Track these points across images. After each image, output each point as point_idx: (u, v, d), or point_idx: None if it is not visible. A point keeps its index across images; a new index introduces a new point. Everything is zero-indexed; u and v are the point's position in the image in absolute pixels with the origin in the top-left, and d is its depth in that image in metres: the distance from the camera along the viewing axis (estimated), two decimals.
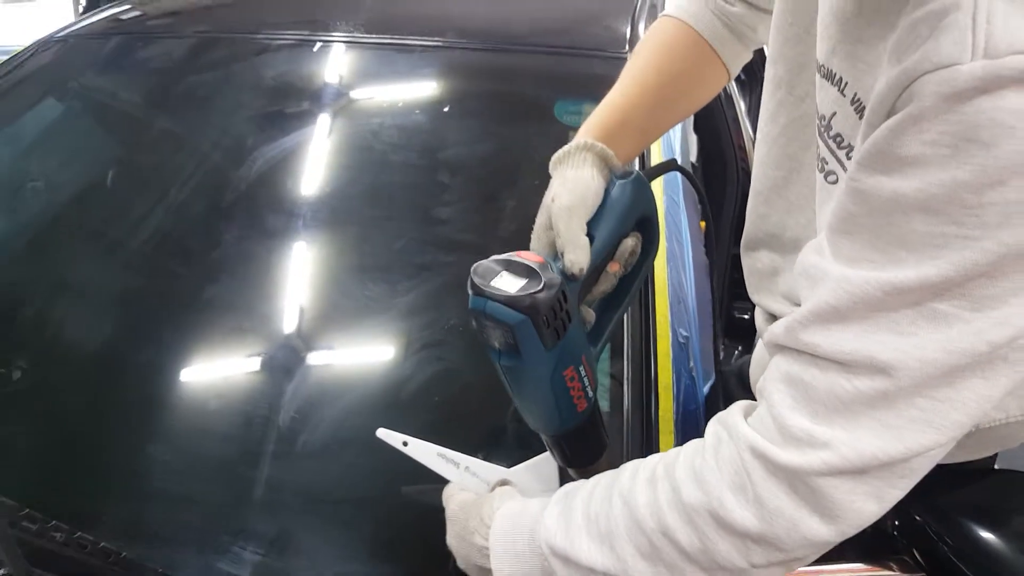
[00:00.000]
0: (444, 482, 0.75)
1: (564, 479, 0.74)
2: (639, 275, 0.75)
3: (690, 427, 0.86)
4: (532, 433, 0.83)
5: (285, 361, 0.96)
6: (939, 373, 0.48)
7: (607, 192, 0.69)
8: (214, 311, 1.05)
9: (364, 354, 1.00)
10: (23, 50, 1.52)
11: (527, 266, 0.61)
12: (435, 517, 0.78)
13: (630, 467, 0.64)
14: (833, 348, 0.51)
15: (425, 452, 0.75)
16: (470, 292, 0.61)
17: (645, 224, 0.73)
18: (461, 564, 0.71)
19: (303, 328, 1.00)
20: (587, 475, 0.72)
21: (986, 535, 0.70)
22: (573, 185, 0.68)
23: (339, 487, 0.88)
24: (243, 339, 1.00)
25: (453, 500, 0.73)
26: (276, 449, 0.89)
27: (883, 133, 0.48)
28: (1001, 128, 0.42)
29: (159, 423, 0.93)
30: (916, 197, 0.46)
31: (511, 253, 0.64)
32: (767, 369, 0.57)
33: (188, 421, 0.94)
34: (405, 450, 0.74)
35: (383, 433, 0.75)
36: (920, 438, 0.50)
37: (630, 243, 0.71)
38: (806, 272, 0.55)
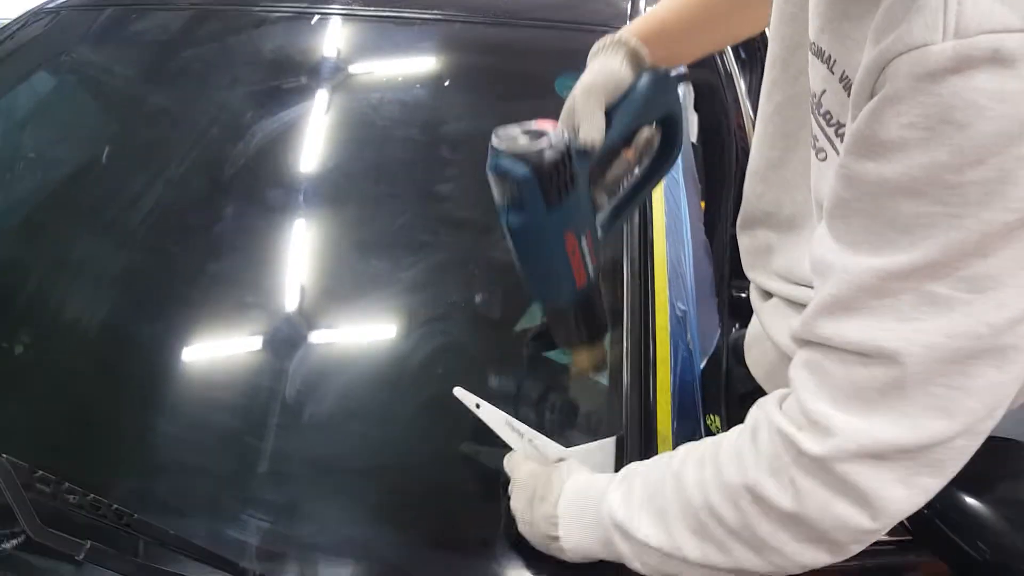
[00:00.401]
0: (493, 451, 0.78)
1: (620, 465, 0.77)
2: (654, 175, 0.77)
3: (686, 398, 0.88)
4: (539, 411, 0.85)
5: (289, 334, 0.97)
6: (946, 359, 0.49)
7: (634, 85, 0.72)
8: (218, 285, 1.05)
9: (368, 328, 1.01)
10: (13, 21, 1.51)
11: (541, 130, 0.64)
12: (439, 486, 0.80)
13: (683, 449, 0.67)
14: (843, 339, 0.52)
15: (495, 418, 0.77)
16: (489, 152, 0.65)
17: (668, 122, 0.75)
18: (524, 529, 0.74)
19: (307, 302, 1.01)
20: (586, 354, 0.76)
21: (971, 500, 0.72)
22: (599, 69, 0.71)
23: (344, 457, 0.90)
24: (247, 313, 1.01)
25: (520, 468, 0.76)
26: (282, 421, 0.90)
27: (864, 117, 0.49)
28: (974, 108, 0.43)
29: (167, 395, 0.95)
30: (899, 181, 0.47)
31: (532, 120, 0.67)
32: (795, 356, 0.59)
33: (196, 393, 0.96)
34: (477, 412, 0.77)
35: (460, 392, 0.77)
36: (936, 425, 0.51)
37: (647, 133, 0.74)
38: (815, 267, 0.56)
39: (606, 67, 0.72)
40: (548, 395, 0.90)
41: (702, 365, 0.96)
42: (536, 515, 0.71)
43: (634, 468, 0.69)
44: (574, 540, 0.69)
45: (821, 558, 0.58)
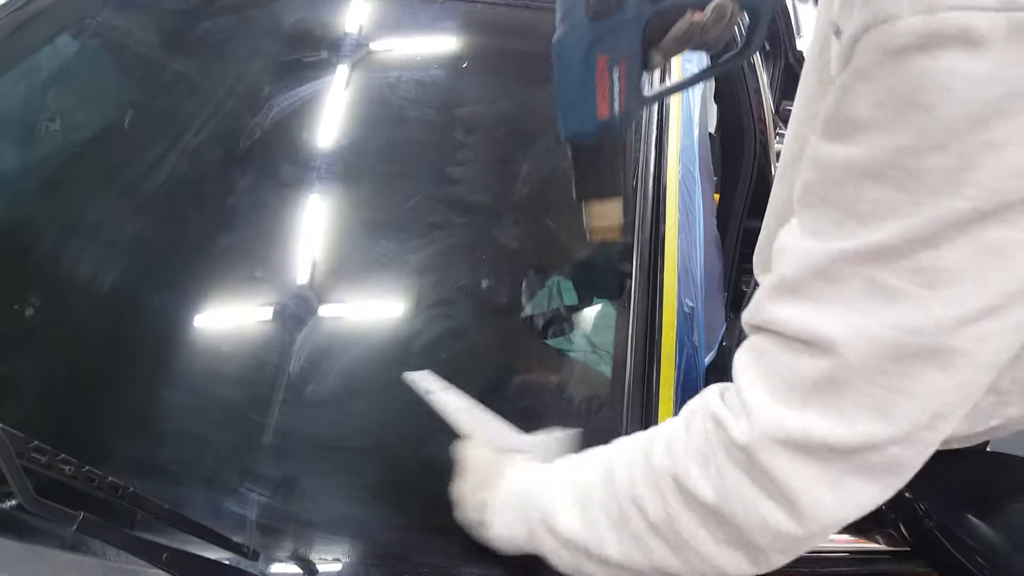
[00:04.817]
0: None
1: None
2: (715, 65, 0.73)
3: (690, 395, 0.87)
4: (536, 404, 0.84)
5: (297, 310, 0.97)
6: (887, 355, 0.46)
7: None
8: (228, 257, 1.05)
9: (374, 308, 1.01)
10: None
11: None
12: (436, 467, 0.80)
13: (620, 440, 0.65)
14: (786, 323, 0.50)
15: (451, 403, 0.75)
16: None
17: (752, 8, 0.68)
18: (461, 514, 0.72)
19: (315, 279, 1.01)
20: (599, 213, 0.73)
21: (972, 516, 0.71)
22: None
23: (345, 435, 0.90)
24: (255, 287, 1.01)
25: (471, 453, 0.74)
26: (285, 396, 0.90)
27: (834, 95, 0.47)
28: (940, 90, 0.41)
29: (171, 365, 0.95)
30: (863, 163, 0.46)
31: None
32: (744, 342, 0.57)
33: (199, 364, 0.96)
34: (429, 398, 0.75)
35: (411, 376, 0.75)
36: (871, 427, 0.48)
37: (728, 5, 0.66)
38: (776, 255, 0.54)
39: None
40: (550, 385, 0.90)
41: (707, 362, 0.95)
42: (475, 501, 0.70)
43: (572, 457, 0.67)
44: (500, 527, 0.67)
45: (742, 565, 0.55)
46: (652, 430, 0.62)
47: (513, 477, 0.69)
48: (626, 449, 0.62)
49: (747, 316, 0.55)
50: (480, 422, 0.76)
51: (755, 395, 0.52)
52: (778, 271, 0.52)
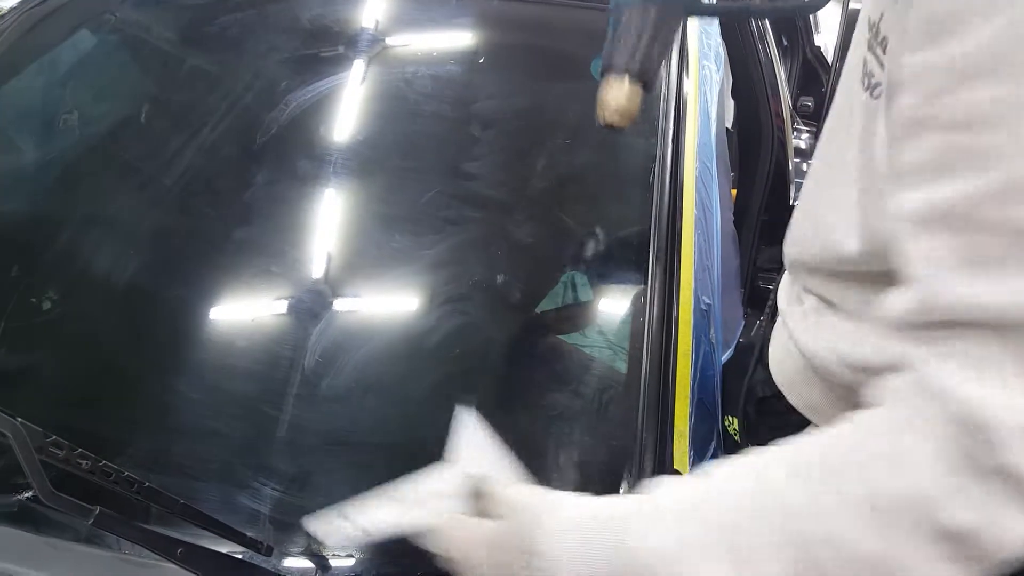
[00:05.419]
0: None
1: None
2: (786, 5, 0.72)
3: (706, 395, 0.87)
4: (540, 391, 0.82)
5: (311, 305, 0.97)
6: None
7: None
8: (243, 252, 1.06)
9: (388, 303, 1.01)
10: None
11: None
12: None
13: (762, 459, 0.50)
14: (974, 306, 0.41)
15: (374, 520, 0.64)
16: None
17: None
18: None
19: (330, 274, 1.01)
20: (615, 91, 0.68)
21: None
22: None
23: (359, 430, 0.90)
24: (271, 281, 1.01)
25: (455, 542, 0.56)
26: (299, 391, 0.90)
27: None
28: None
29: (186, 359, 0.95)
30: (975, 57, 0.39)
31: None
32: (913, 342, 0.45)
33: (214, 359, 0.96)
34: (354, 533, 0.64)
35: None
36: None
37: None
38: (919, 223, 0.44)
39: None
40: (564, 382, 0.90)
41: (724, 359, 0.94)
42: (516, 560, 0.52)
43: (672, 489, 0.52)
44: (567, 548, 0.49)
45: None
46: (818, 444, 0.48)
47: (567, 512, 0.53)
48: (781, 473, 0.48)
49: (917, 316, 0.44)
50: (406, 501, 0.64)
51: (991, 393, 0.41)
52: (931, 244, 0.42)
